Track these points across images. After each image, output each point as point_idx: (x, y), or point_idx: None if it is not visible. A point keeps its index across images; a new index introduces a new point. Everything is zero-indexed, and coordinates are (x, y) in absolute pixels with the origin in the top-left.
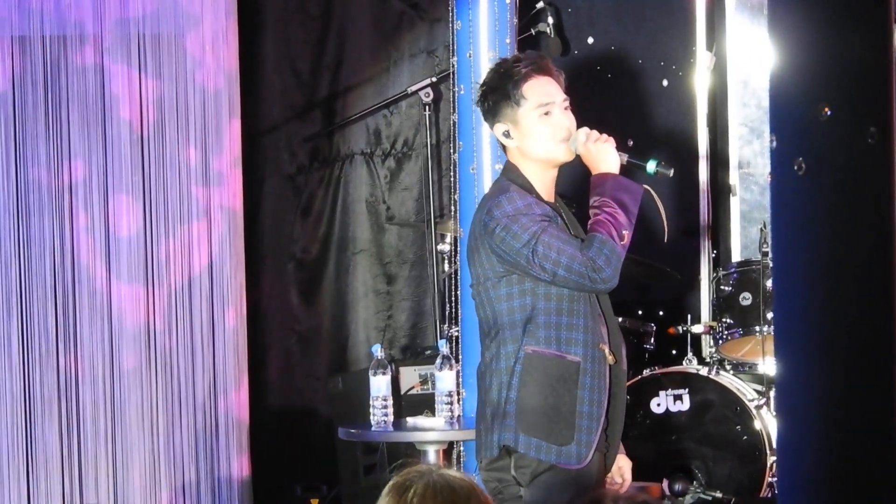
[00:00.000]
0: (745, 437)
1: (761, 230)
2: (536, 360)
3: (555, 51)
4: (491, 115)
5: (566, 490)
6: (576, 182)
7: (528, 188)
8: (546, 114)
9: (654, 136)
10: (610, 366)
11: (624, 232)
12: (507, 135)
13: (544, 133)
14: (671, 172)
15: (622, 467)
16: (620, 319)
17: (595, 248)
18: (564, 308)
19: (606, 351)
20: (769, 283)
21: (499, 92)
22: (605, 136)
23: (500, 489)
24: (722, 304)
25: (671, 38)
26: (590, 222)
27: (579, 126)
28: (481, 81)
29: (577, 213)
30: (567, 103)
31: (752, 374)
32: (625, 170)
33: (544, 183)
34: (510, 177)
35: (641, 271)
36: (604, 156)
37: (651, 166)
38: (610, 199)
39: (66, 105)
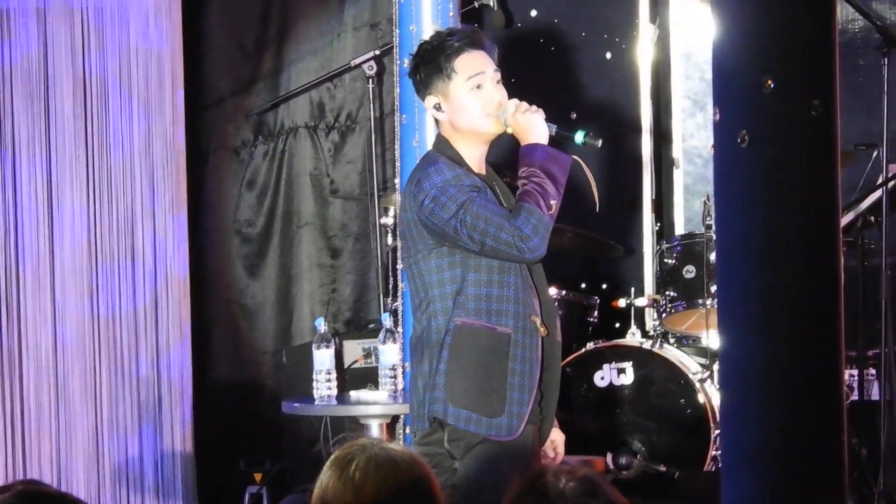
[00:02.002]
0: (689, 411)
1: (704, 203)
2: (466, 331)
3: (498, 23)
4: (423, 86)
5: (500, 462)
6: (507, 152)
7: (457, 160)
8: (477, 87)
9: (597, 108)
10: (542, 338)
11: (552, 202)
12: (437, 107)
13: (474, 106)
14: (599, 143)
15: (555, 441)
16: (564, 293)
17: (522, 218)
18: (495, 280)
19: (538, 323)
20: (712, 256)
21: (431, 65)
22: (534, 106)
23: (434, 462)
24: (665, 278)
25: (614, 11)
26: (518, 192)
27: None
28: (414, 53)
29: (509, 182)
30: (498, 76)
31: (695, 347)
32: (554, 141)
33: (475, 155)
34: (440, 149)
35: (585, 244)
36: (532, 126)
37: (579, 137)
38: (538, 169)
39: (8, 77)
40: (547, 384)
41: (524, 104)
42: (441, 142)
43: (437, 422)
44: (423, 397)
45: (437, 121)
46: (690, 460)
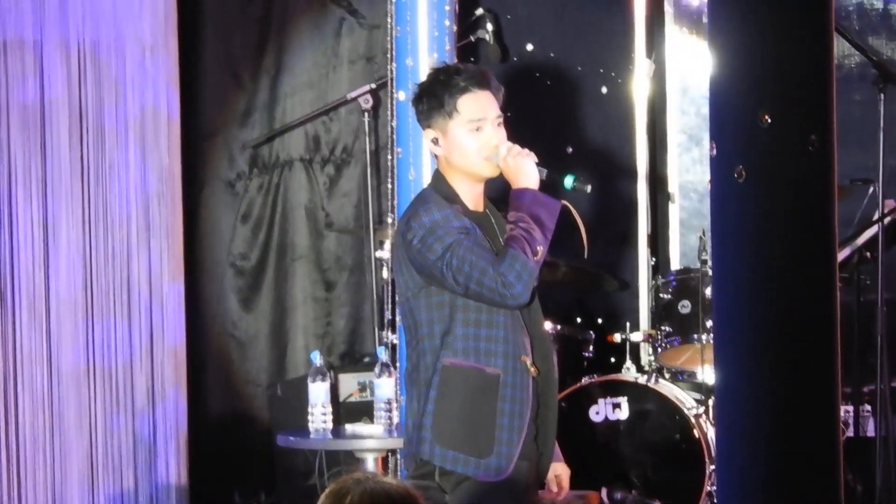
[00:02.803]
0: (684, 446)
1: (700, 238)
2: (454, 372)
3: (494, 57)
4: (423, 118)
5: (490, 499)
6: (506, 186)
7: (451, 198)
8: (477, 129)
9: (592, 143)
10: (534, 377)
11: (538, 247)
12: (435, 142)
13: (471, 147)
14: (588, 188)
15: (559, 475)
16: (559, 327)
17: (506, 264)
18: (483, 320)
19: (528, 363)
20: (708, 291)
21: (434, 100)
22: (525, 150)
23: (427, 496)
24: (661, 312)
25: (610, 45)
26: (504, 237)
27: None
28: (420, 83)
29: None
30: (500, 120)
31: (691, 382)
32: (545, 185)
33: (471, 193)
34: (435, 185)
35: (580, 278)
36: (522, 170)
37: (568, 181)
38: (526, 214)
39: (5, 110)
40: (543, 420)
41: (516, 147)
42: (437, 177)
43: (424, 460)
44: (412, 436)
45: (434, 154)
46: (686, 495)
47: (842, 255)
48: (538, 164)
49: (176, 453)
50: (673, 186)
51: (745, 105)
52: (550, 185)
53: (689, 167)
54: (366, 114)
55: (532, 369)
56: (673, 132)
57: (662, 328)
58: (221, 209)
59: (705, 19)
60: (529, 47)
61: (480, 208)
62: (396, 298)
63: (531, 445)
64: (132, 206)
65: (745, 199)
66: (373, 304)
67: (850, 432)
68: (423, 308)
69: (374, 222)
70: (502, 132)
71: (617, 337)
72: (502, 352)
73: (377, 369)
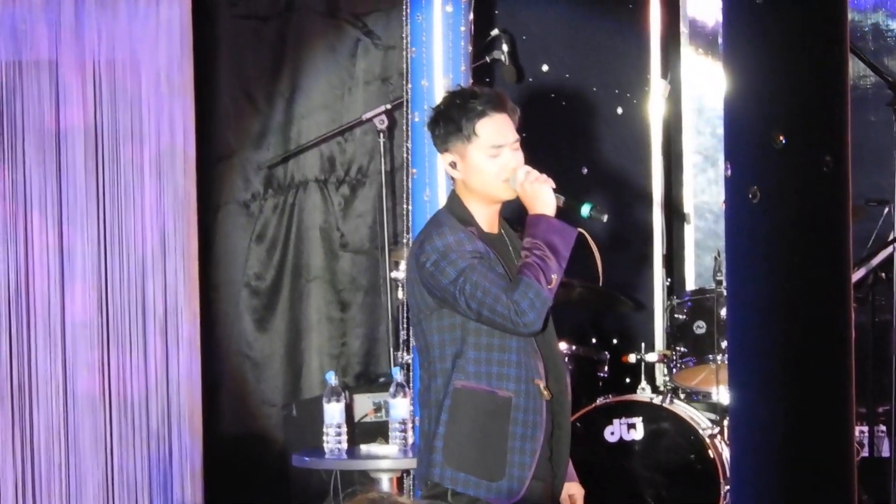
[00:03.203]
0: (699, 466)
1: (715, 258)
2: (466, 395)
3: (509, 78)
4: (440, 143)
5: None
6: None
7: (467, 220)
8: (495, 154)
9: (608, 164)
10: (547, 400)
11: (552, 276)
12: (453, 165)
13: (490, 171)
14: (605, 217)
15: (573, 495)
16: (574, 347)
17: (520, 292)
18: (495, 344)
19: (542, 386)
20: (723, 312)
21: (451, 124)
22: (543, 176)
23: None
24: (676, 333)
25: (626, 65)
26: (519, 264)
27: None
28: (436, 105)
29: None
30: (517, 143)
31: (705, 402)
32: (562, 211)
33: (486, 215)
34: (450, 207)
35: (595, 298)
36: (539, 196)
37: (585, 210)
38: (542, 241)
39: (21, 131)
40: (557, 441)
41: (534, 173)
42: (453, 199)
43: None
44: (424, 458)
45: (451, 177)
46: None
47: (856, 275)
48: (555, 191)
49: (191, 474)
50: (688, 207)
51: (759, 126)
52: (567, 212)
53: (705, 188)
54: (381, 134)
55: (545, 392)
56: (688, 153)
57: (677, 349)
58: (236, 230)
59: (720, 40)
60: (545, 68)
61: (495, 230)
62: (410, 319)
63: (545, 465)
64: (147, 227)
65: (760, 220)
66: (388, 324)
67: (865, 452)
68: (435, 330)
69: (390, 243)
70: (520, 155)
71: (632, 357)
72: (514, 375)
73: (392, 389)
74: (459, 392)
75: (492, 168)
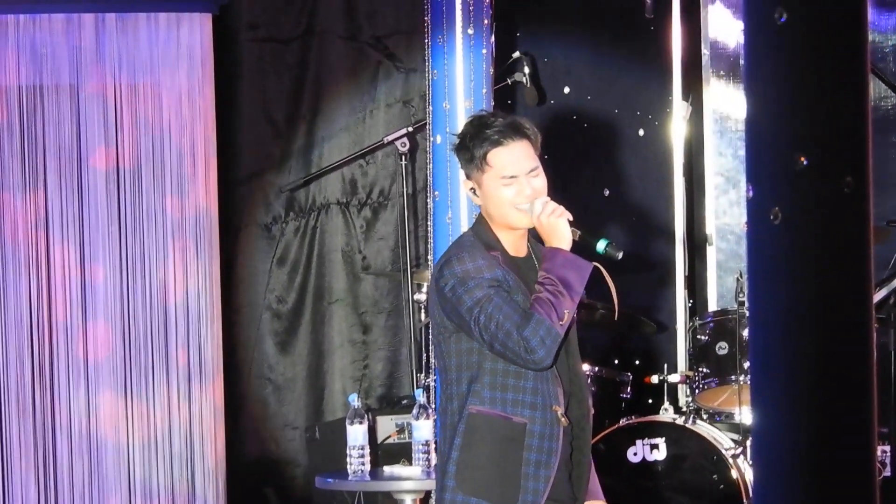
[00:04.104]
0: (722, 487)
1: (737, 280)
2: (480, 420)
3: (531, 100)
4: (463, 169)
5: None
6: None
7: (492, 244)
8: (508, 184)
9: (630, 185)
10: (564, 427)
11: (565, 311)
12: (473, 192)
13: (504, 199)
14: (620, 255)
15: None
16: (597, 369)
17: (531, 329)
18: (511, 370)
19: (559, 413)
20: (745, 333)
21: (466, 152)
22: (560, 208)
23: None
24: (698, 354)
25: (647, 87)
26: (532, 298)
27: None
28: (459, 132)
29: None
30: (536, 171)
31: (728, 423)
32: (577, 245)
33: (512, 240)
34: (475, 230)
35: (618, 321)
36: (556, 230)
37: (601, 245)
38: (556, 276)
39: (42, 155)
40: (577, 465)
41: (551, 205)
42: (479, 222)
43: None
44: (439, 481)
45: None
46: None
47: (878, 296)
48: (572, 224)
49: (215, 497)
50: (710, 228)
51: (780, 147)
52: (583, 245)
53: (727, 209)
54: (402, 157)
55: (563, 420)
56: (710, 174)
57: (700, 369)
58: (258, 253)
59: (741, 61)
60: (566, 90)
61: (523, 253)
62: (431, 339)
63: (564, 488)
64: (169, 250)
65: (781, 241)
66: (410, 346)
67: (888, 472)
68: (454, 353)
69: (412, 265)
70: (539, 181)
71: (654, 378)
72: (530, 402)
73: (415, 411)
74: (474, 417)
75: (506, 196)
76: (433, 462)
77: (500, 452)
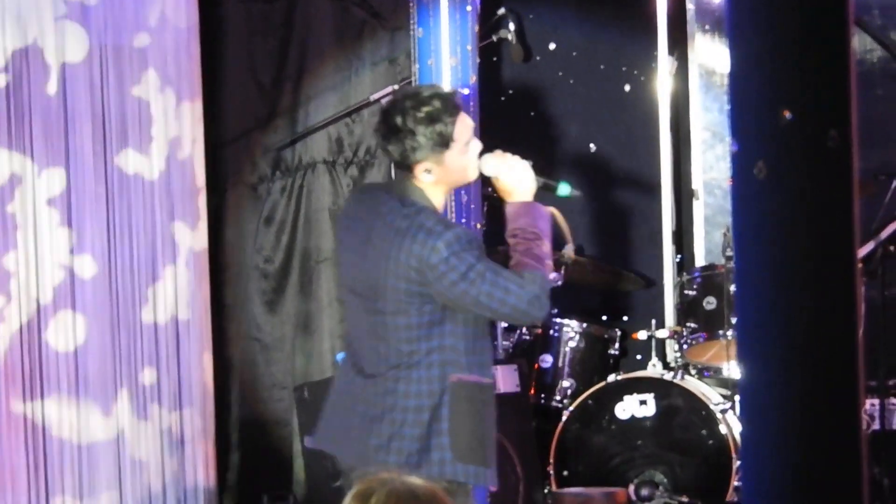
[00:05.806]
0: (711, 442)
1: (725, 235)
2: (461, 388)
3: (516, 57)
4: (411, 155)
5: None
6: None
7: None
8: (469, 147)
9: (616, 141)
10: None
11: (548, 262)
12: (428, 171)
13: (472, 161)
14: (579, 192)
15: None
16: (585, 325)
17: (538, 285)
18: (480, 332)
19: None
20: (733, 288)
21: (438, 137)
22: (517, 157)
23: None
24: (686, 309)
25: (633, 43)
26: (520, 251)
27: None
28: (416, 123)
29: None
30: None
31: (717, 378)
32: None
33: (442, 204)
34: (418, 199)
35: (605, 276)
36: (522, 182)
37: (565, 189)
38: (537, 229)
39: (27, 117)
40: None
41: (508, 156)
42: (414, 191)
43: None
44: (420, 452)
45: (408, 172)
46: (712, 491)
47: (865, 249)
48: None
49: (204, 457)
50: (697, 183)
51: (764, 101)
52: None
53: (713, 164)
54: None
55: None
56: (696, 129)
57: (688, 325)
58: (245, 213)
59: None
60: (552, 46)
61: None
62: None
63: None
64: (157, 211)
65: (766, 195)
66: None
67: (876, 425)
68: (426, 322)
69: None
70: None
71: (642, 334)
72: (489, 362)
73: None
74: (457, 385)
75: (473, 157)
76: None
77: (479, 416)
